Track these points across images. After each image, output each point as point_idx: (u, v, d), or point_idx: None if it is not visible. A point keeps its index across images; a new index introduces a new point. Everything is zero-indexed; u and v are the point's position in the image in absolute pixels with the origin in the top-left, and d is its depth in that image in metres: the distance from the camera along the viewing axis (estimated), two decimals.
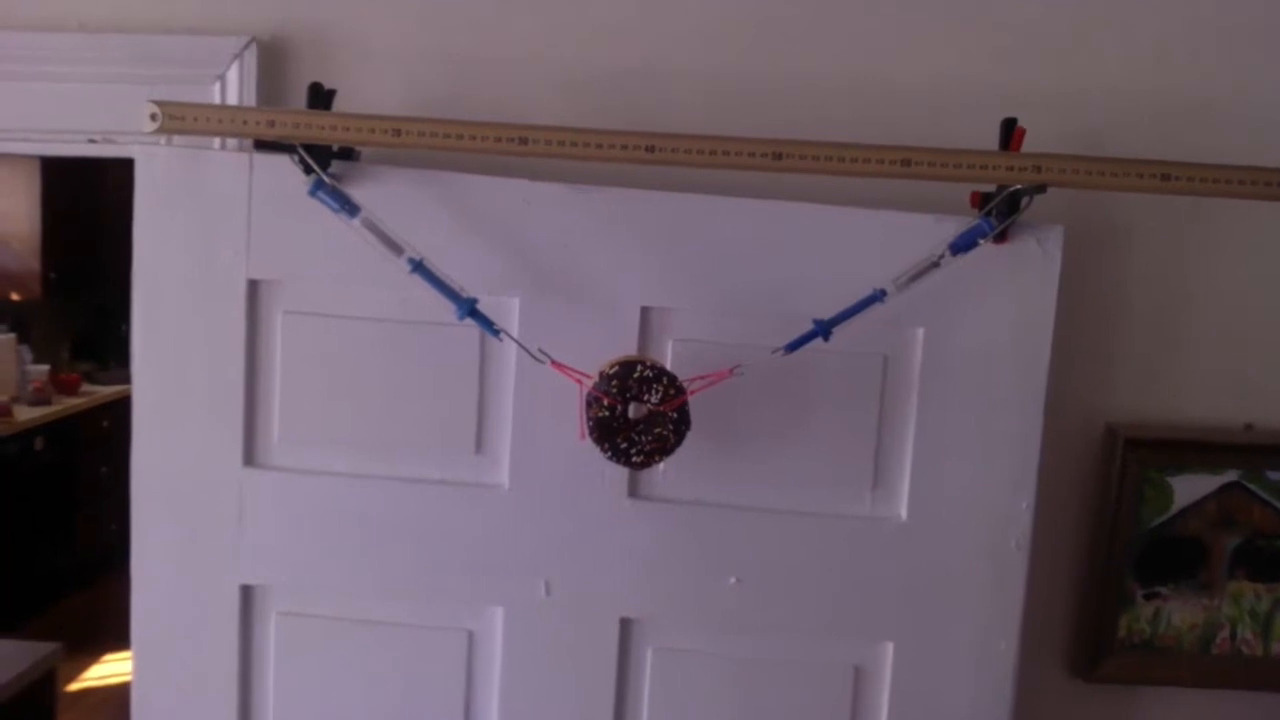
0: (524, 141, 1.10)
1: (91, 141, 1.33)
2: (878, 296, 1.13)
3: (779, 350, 1.16)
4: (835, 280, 1.19)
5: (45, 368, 4.92)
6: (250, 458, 1.29)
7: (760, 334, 1.21)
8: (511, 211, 1.25)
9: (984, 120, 1.19)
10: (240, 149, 1.27)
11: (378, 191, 1.22)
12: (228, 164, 1.25)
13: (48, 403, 4.77)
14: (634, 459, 1.15)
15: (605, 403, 1.14)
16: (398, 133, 1.10)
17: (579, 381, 1.16)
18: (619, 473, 1.24)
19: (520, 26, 1.34)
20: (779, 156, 1.09)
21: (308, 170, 1.16)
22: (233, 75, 1.29)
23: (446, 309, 1.17)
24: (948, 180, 1.11)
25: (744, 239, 1.24)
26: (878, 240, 1.21)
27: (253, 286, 1.27)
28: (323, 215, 1.18)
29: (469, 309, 1.15)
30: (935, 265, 1.14)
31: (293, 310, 1.28)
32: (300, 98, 1.26)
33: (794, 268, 1.24)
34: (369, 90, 1.32)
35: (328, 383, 1.29)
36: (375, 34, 1.34)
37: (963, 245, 1.14)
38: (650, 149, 1.10)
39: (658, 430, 1.14)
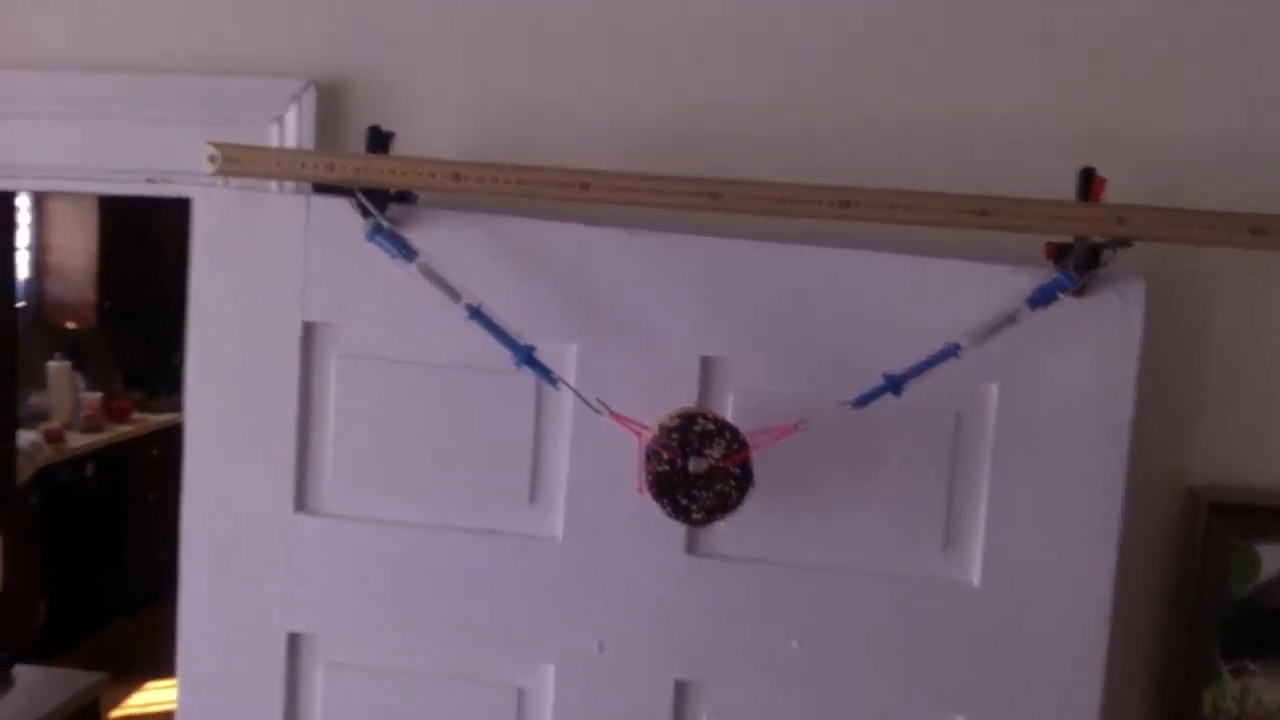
0: (585, 187, 1.08)
1: (150, 181, 1.33)
2: (951, 351, 1.09)
3: (847, 404, 1.11)
4: (904, 331, 1.15)
5: (98, 395, 4.98)
6: (301, 503, 1.27)
7: (825, 385, 1.17)
8: (569, 257, 1.23)
9: (1060, 162, 1.14)
10: (297, 190, 1.26)
11: (435, 235, 1.19)
12: (284, 206, 1.23)
13: (99, 430, 4.83)
14: (694, 516, 1.11)
15: (665, 457, 1.10)
16: (457, 177, 1.08)
17: (638, 434, 1.12)
18: (676, 528, 1.20)
19: (579, 70, 1.31)
20: (847, 204, 1.05)
21: (365, 214, 1.14)
22: (291, 117, 1.29)
23: (503, 355, 1.14)
24: (1024, 231, 1.07)
25: (808, 287, 1.20)
26: (948, 291, 1.17)
27: (308, 329, 1.26)
28: (379, 258, 1.16)
29: (526, 356, 1.12)
30: (1012, 320, 1.09)
31: (347, 354, 1.26)
32: (358, 140, 1.25)
33: (860, 318, 1.19)
34: (427, 133, 1.30)
35: (381, 428, 1.27)
36: (434, 78, 1.32)
37: (1041, 300, 1.09)
38: (714, 195, 1.06)
39: (719, 486, 1.10)
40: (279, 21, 1.32)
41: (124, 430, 4.97)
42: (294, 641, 1.28)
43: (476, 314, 1.12)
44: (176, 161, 1.31)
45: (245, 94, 1.29)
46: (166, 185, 1.32)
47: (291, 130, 1.29)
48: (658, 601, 1.23)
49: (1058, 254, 1.15)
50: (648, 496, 1.13)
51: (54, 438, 4.51)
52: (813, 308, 1.20)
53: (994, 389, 1.18)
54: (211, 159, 1.08)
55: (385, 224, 1.12)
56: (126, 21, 1.34)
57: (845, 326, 1.20)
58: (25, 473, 4.22)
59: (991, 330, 1.08)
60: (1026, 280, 1.13)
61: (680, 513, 1.11)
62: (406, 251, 1.13)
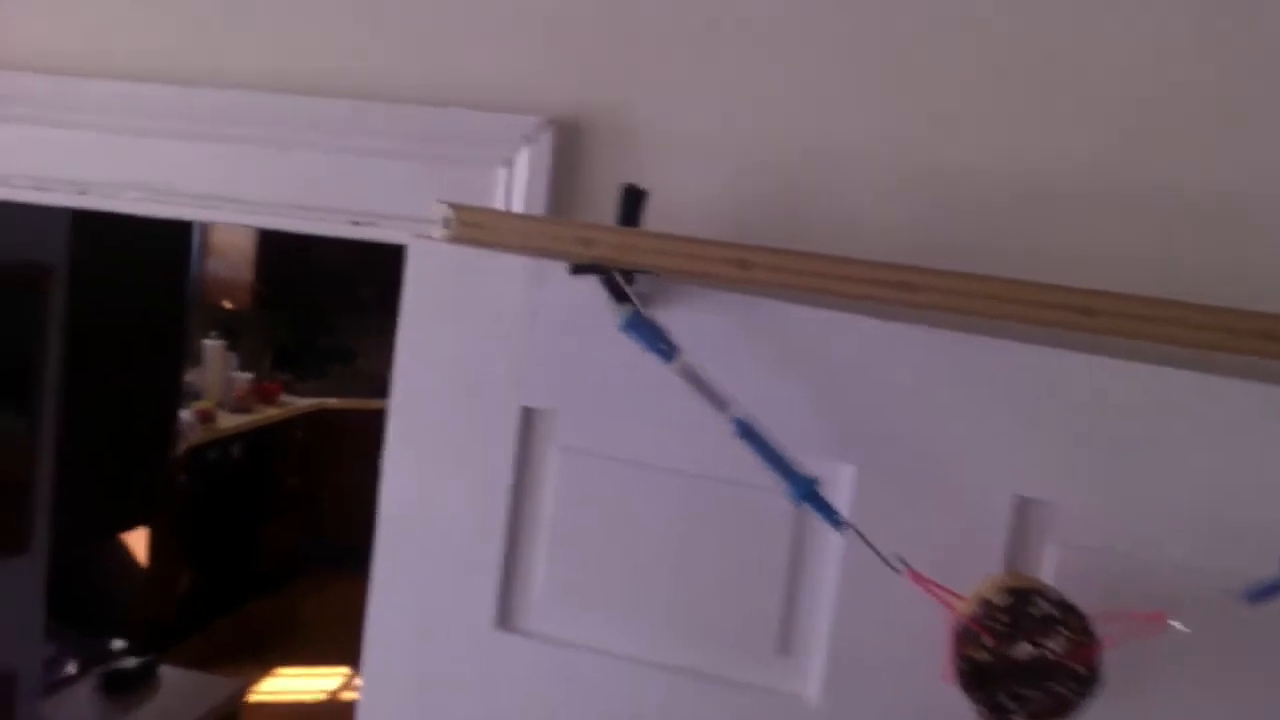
0: (911, 288, 0.83)
1: (355, 224, 1.14)
2: None
3: (1234, 595, 0.84)
4: None
5: (249, 375, 5.01)
6: (504, 619, 1.07)
7: (1188, 549, 0.90)
8: (850, 354, 0.99)
9: None
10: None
11: (680, 315, 0.98)
12: (515, 270, 1.03)
13: (248, 410, 4.84)
14: None
15: (988, 644, 0.85)
16: (744, 265, 0.85)
17: (949, 605, 0.87)
18: (965, 705, 0.95)
19: (870, 111, 1.06)
20: None
21: (620, 298, 0.92)
22: (522, 160, 1.08)
23: (757, 466, 0.91)
24: None
25: (1168, 420, 0.93)
26: None
27: (527, 415, 1.05)
28: (616, 340, 0.94)
29: (807, 492, 0.89)
30: None
31: (571, 447, 1.05)
32: (596, 191, 1.05)
33: (1245, 464, 0.92)
34: (681, 185, 1.08)
35: (604, 538, 1.06)
36: (689, 120, 1.09)
37: None
38: (1087, 312, 0.80)
39: (1055, 686, 0.84)
40: (514, 49, 1.11)
41: (271, 412, 4.98)
42: None
43: (748, 433, 0.89)
44: (385, 202, 1.13)
45: (470, 130, 1.09)
46: (373, 229, 1.13)
47: (521, 176, 1.08)
48: None
49: None
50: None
51: (205, 417, 4.53)
52: (1173, 445, 0.93)
53: None
54: (445, 223, 0.87)
55: (645, 314, 0.90)
56: (339, 43, 1.16)
57: (1218, 472, 0.92)
58: (177, 450, 4.25)
59: None
60: None
61: (998, 713, 0.86)
62: (666, 348, 0.91)
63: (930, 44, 1.04)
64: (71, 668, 2.66)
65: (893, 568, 0.88)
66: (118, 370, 2.67)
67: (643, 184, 1.01)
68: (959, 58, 1.03)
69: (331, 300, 5.30)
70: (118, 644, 2.81)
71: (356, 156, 1.14)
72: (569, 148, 1.10)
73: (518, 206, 1.09)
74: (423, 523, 1.08)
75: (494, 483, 1.06)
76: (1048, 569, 0.95)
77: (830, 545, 0.99)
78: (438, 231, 0.88)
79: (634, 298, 0.91)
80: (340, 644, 4.39)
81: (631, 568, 1.05)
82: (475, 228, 0.87)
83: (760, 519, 1.02)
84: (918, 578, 0.88)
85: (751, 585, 1.02)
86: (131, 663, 2.71)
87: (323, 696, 4.39)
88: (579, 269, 0.93)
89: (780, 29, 1.07)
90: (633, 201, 0.96)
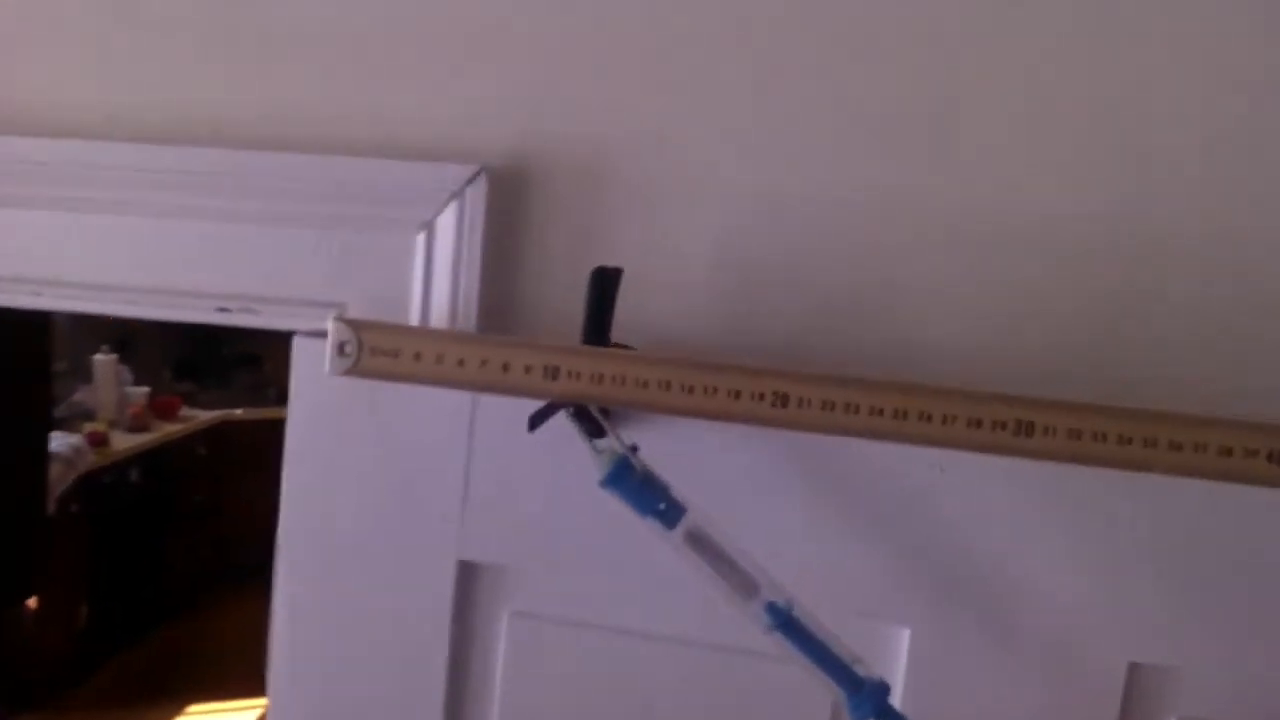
0: (1027, 432, 0.58)
1: (222, 310, 0.85)
2: None
3: None
4: None
5: (145, 389, 4.59)
6: None
7: None
8: (898, 488, 0.74)
9: None
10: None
11: (668, 439, 0.71)
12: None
13: (146, 429, 4.44)
14: None
15: None
16: (783, 401, 0.59)
17: None
18: None
19: (881, 155, 0.80)
20: None
21: (591, 431, 0.65)
22: (446, 222, 0.80)
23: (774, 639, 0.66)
24: None
25: None
26: None
27: (466, 571, 0.78)
28: (579, 479, 0.68)
29: (876, 705, 0.63)
30: None
31: (524, 612, 0.79)
32: (547, 254, 0.79)
33: None
34: (656, 242, 0.81)
35: None
36: (664, 161, 0.82)
37: None
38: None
39: None
40: (435, 77, 0.82)
41: (171, 429, 4.58)
42: None
43: (788, 626, 0.63)
44: (262, 281, 0.84)
45: (377, 184, 0.80)
46: (247, 315, 0.84)
47: (447, 242, 0.80)
48: None
49: None
50: None
51: (97, 440, 4.12)
52: None
53: None
54: (342, 348, 0.59)
55: (638, 465, 0.64)
56: (201, 76, 0.86)
57: None
58: (66, 480, 3.86)
59: None
60: None
61: None
62: (669, 511, 0.64)
63: (1021, 53, 0.79)
64: None
65: None
66: None
67: (607, 247, 0.75)
68: (1057, 81, 0.78)
69: None
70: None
71: (224, 222, 0.84)
72: (509, 203, 0.82)
73: (441, 282, 0.81)
74: (321, 703, 0.81)
75: (426, 654, 0.79)
76: None
77: None
78: (333, 363, 0.60)
79: (614, 433, 0.64)
80: (255, 665, 4.07)
81: None
82: (388, 356, 0.59)
83: (773, 696, 0.77)
84: None
85: None
86: None
87: None
88: (539, 416, 0.65)
89: (800, 34, 0.80)
90: (607, 286, 0.69)
